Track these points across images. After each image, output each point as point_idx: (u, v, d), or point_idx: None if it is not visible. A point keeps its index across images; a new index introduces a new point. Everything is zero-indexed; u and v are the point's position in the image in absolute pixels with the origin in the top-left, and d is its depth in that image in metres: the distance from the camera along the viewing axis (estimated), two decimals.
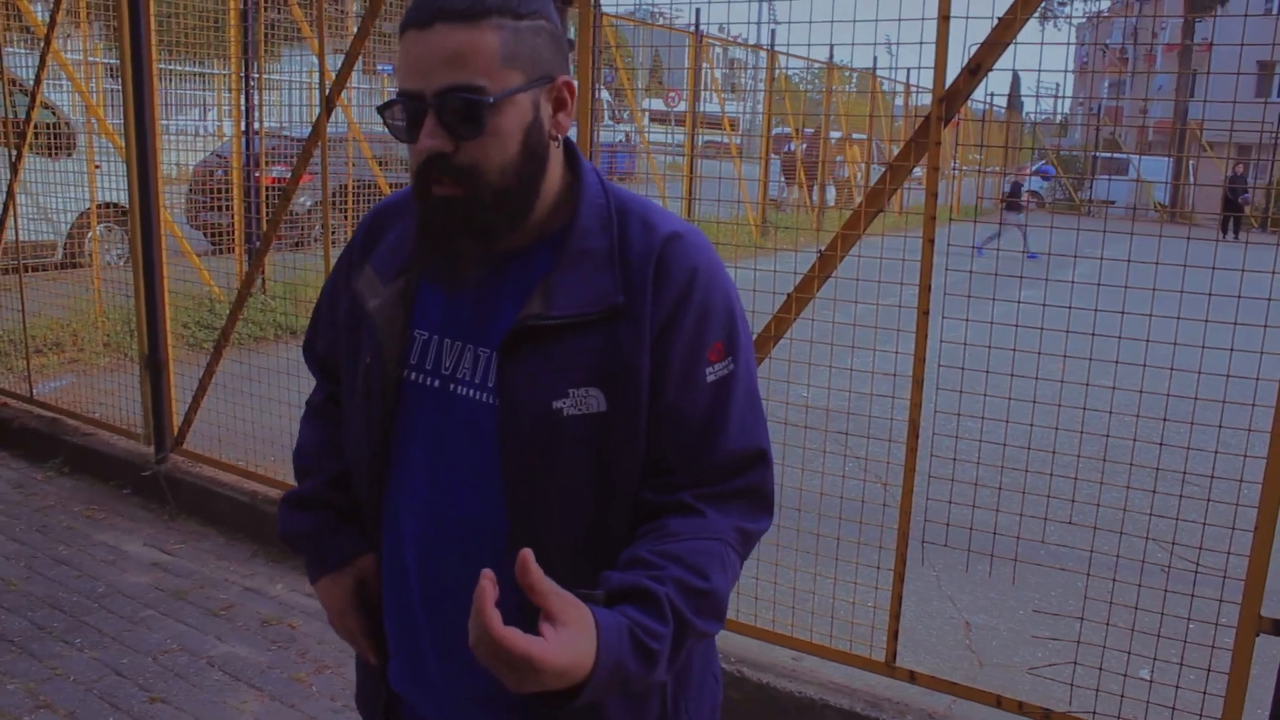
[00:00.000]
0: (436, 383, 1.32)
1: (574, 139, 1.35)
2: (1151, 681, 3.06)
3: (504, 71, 1.19)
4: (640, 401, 1.25)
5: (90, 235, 7.79)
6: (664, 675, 1.18)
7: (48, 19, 5.82)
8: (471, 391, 1.30)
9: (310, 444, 1.58)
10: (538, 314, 1.24)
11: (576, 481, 1.26)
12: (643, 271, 1.26)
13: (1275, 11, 31.08)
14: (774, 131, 16.63)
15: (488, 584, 1.01)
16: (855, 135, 18.30)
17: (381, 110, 1.25)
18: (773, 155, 15.17)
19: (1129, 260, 2.99)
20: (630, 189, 1.40)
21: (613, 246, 1.28)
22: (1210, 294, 2.81)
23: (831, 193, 16.58)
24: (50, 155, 7.54)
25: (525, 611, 1.09)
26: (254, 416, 4.85)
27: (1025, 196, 13.40)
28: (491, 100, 1.18)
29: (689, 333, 1.27)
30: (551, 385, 1.24)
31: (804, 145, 17.22)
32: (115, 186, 6.58)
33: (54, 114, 7.78)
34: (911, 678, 3.16)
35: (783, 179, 16.56)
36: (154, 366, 4.94)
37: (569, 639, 1.05)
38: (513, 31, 1.19)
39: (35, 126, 6.13)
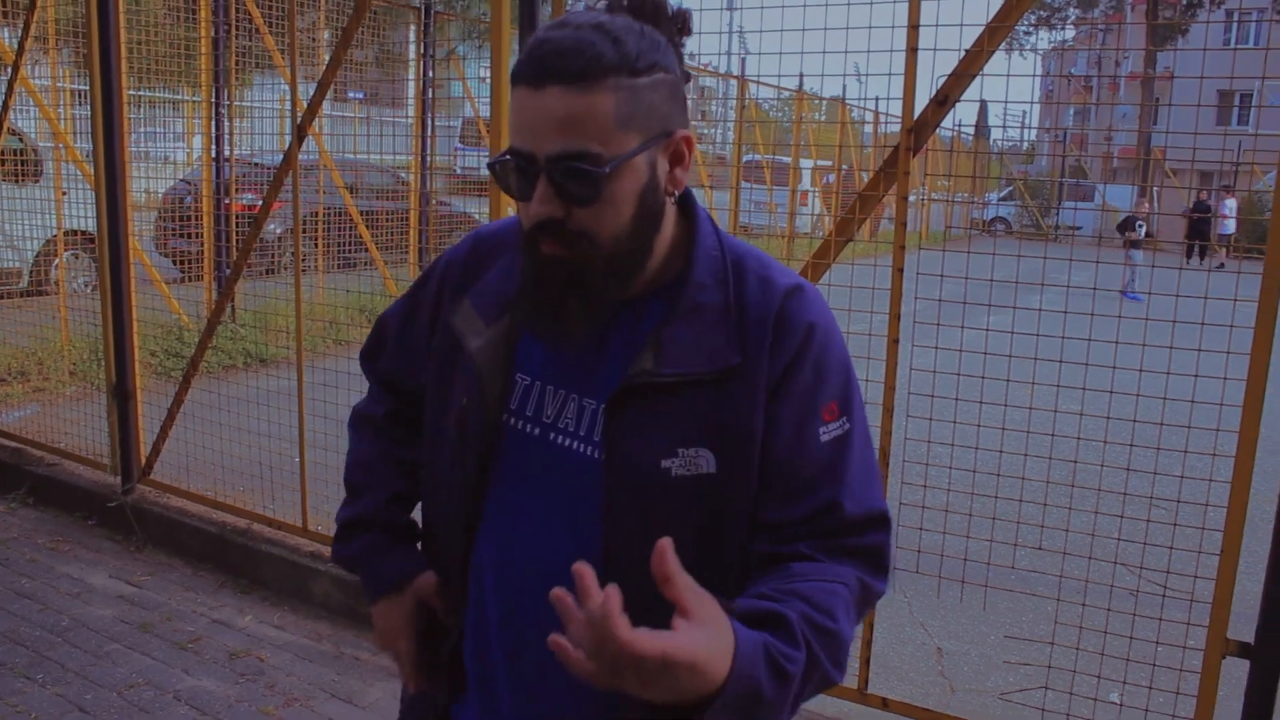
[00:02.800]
0: (537, 430, 1.28)
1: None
2: (1121, 705, 3.08)
3: (619, 135, 1.13)
4: (752, 464, 1.21)
5: (56, 262, 7.71)
6: (788, 713, 1.11)
7: (15, 45, 5.78)
8: (574, 443, 1.25)
9: (365, 459, 1.52)
10: (649, 370, 1.19)
11: (681, 543, 1.17)
12: (760, 329, 1.22)
13: (1234, 43, 31.70)
14: (744, 159, 16.74)
15: (612, 587, 0.95)
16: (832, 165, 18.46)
17: (493, 167, 1.20)
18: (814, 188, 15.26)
19: (1095, 288, 3.03)
20: None
21: (728, 301, 1.23)
22: (1175, 320, 2.86)
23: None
24: (16, 182, 7.48)
25: None
26: (223, 446, 4.80)
27: (1141, 232, 13.23)
28: (606, 170, 1.13)
29: (804, 390, 1.22)
30: (660, 444, 1.19)
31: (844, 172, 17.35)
32: (82, 214, 6.53)
33: (21, 140, 7.72)
34: (884, 704, 3.16)
35: (821, 208, 16.67)
36: (121, 396, 4.89)
37: (705, 636, 0.98)
38: (630, 90, 1.13)
39: (1, 153, 6.08)
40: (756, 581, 1.19)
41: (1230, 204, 18.68)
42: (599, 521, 1.22)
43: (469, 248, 1.43)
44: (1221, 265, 15.21)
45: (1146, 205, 15.31)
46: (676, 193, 1.24)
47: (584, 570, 0.97)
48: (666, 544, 0.97)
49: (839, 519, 1.23)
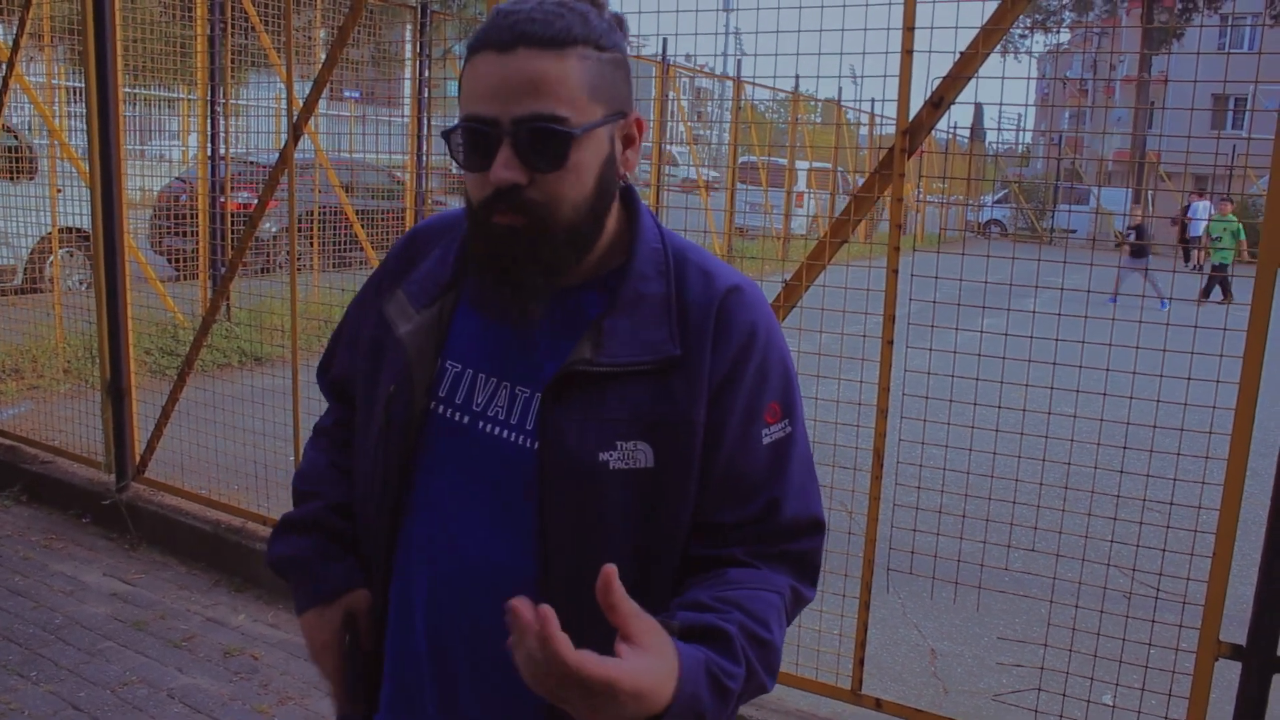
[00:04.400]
0: (465, 419, 1.25)
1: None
2: (1114, 707, 3.09)
3: (587, 103, 1.13)
4: (692, 458, 1.19)
5: (51, 260, 7.70)
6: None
7: (10, 42, 5.77)
8: (505, 432, 1.22)
9: (313, 469, 1.47)
10: (588, 360, 1.17)
11: (616, 537, 1.18)
12: (702, 323, 1.20)
13: (1228, 47, 31.80)
14: (740, 160, 16.75)
15: (545, 608, 0.93)
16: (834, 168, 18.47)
17: (446, 135, 1.16)
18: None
19: (1089, 290, 3.04)
20: None
21: (669, 294, 1.22)
22: (1168, 324, 2.87)
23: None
24: (11, 179, 7.46)
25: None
26: (217, 444, 4.80)
27: (1150, 238, 13.18)
28: (578, 133, 1.12)
29: (748, 392, 1.21)
30: (599, 436, 1.17)
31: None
32: (77, 211, 6.52)
33: (15, 137, 7.71)
34: (878, 705, 3.17)
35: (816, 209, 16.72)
36: (116, 393, 4.88)
37: (649, 663, 0.98)
38: (596, 62, 1.14)
39: None
40: (693, 587, 1.19)
41: (1200, 206, 18.70)
42: (530, 512, 1.20)
43: (407, 240, 1.41)
44: (1195, 267, 15.35)
45: (1139, 211, 15.34)
46: (628, 174, 1.23)
47: (519, 606, 0.94)
48: (611, 571, 0.96)
49: (777, 522, 1.22)
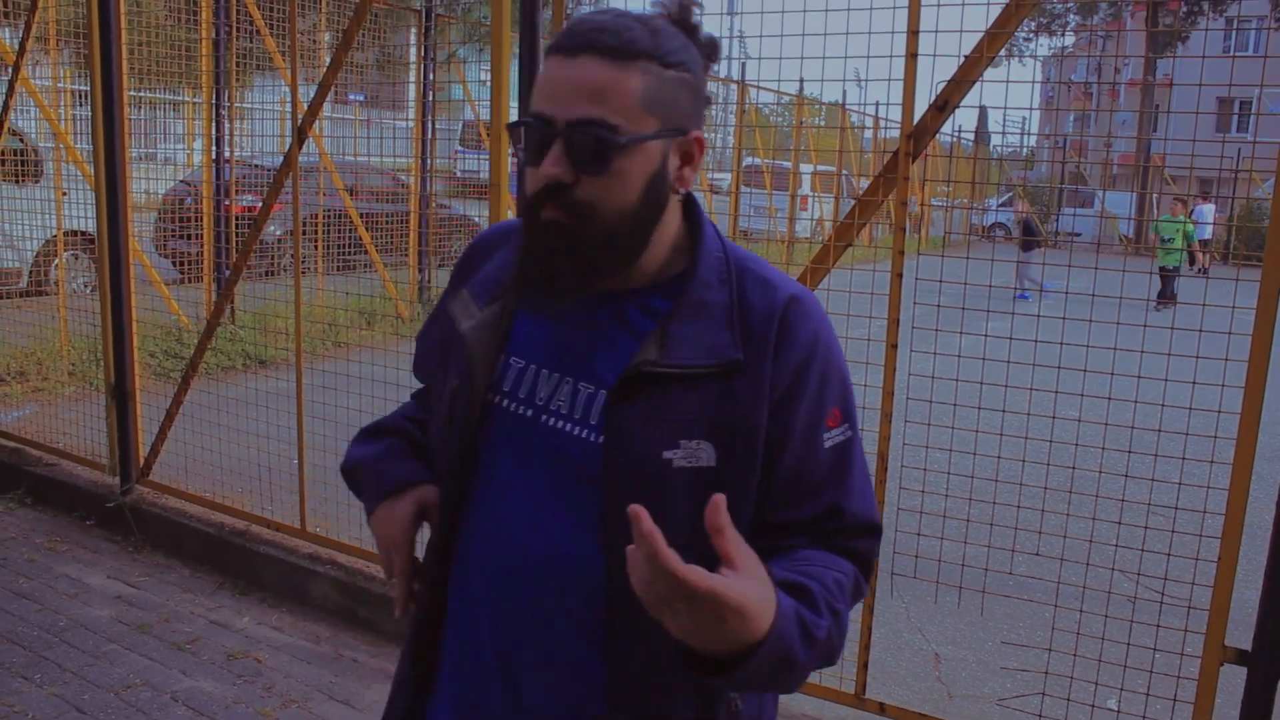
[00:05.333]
0: (529, 412, 1.29)
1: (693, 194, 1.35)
2: (1119, 712, 3.08)
3: (641, 116, 1.18)
4: (754, 460, 1.23)
5: (56, 263, 7.72)
6: (799, 681, 1.15)
7: (16, 45, 5.79)
8: (569, 426, 1.26)
9: (382, 417, 1.55)
10: (654, 360, 1.21)
11: (678, 533, 1.16)
12: (764, 330, 1.24)
13: (1233, 51, 31.76)
14: (744, 164, 16.76)
15: (651, 525, 0.97)
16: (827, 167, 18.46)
17: (511, 128, 1.23)
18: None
19: (1093, 294, 3.04)
20: None
21: (731, 302, 1.26)
22: (1173, 327, 2.86)
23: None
24: (17, 182, 7.48)
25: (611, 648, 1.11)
26: (221, 447, 4.80)
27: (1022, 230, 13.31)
28: (623, 142, 1.17)
29: (811, 398, 1.25)
30: (663, 434, 1.21)
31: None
32: (82, 214, 6.54)
33: (21, 140, 7.72)
34: (881, 710, 3.16)
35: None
36: (120, 396, 4.89)
37: (752, 586, 1.02)
38: (658, 78, 1.19)
39: (2, 153, 6.09)
40: (769, 564, 1.21)
41: (1206, 210, 18.67)
42: (593, 503, 1.23)
43: (469, 249, 1.47)
44: (1199, 270, 15.25)
45: (1022, 207, 15.33)
46: (682, 190, 1.27)
47: (639, 511, 0.98)
48: (720, 499, 1.00)
49: (842, 522, 1.27)
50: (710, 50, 1.28)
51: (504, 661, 1.29)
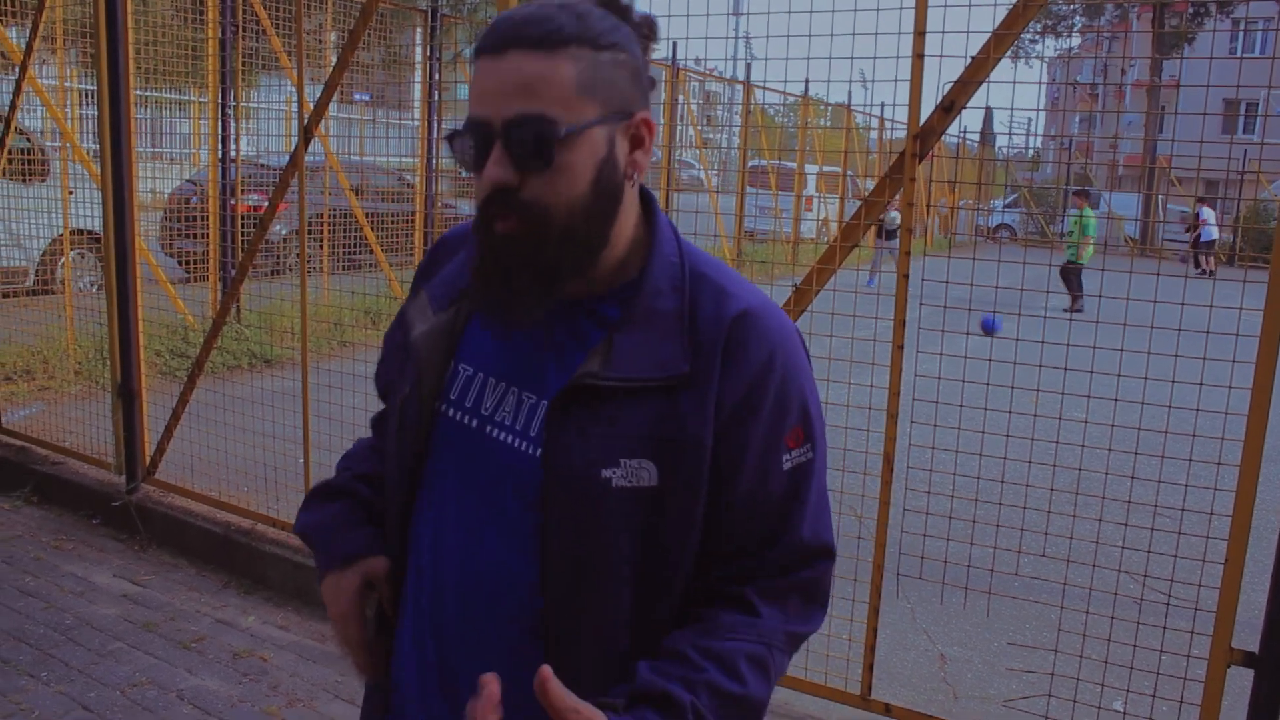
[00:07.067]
0: (474, 422, 1.25)
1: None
2: (1125, 714, 3.07)
3: (578, 103, 1.12)
4: (699, 480, 1.18)
5: (62, 261, 7.73)
6: None
7: (24, 45, 5.80)
8: (511, 438, 1.22)
9: (355, 449, 1.52)
10: (595, 373, 1.16)
11: (618, 557, 1.19)
12: (713, 342, 1.19)
13: (1240, 52, 31.71)
14: (749, 164, 16.75)
15: (490, 696, 1.03)
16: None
17: (449, 139, 1.18)
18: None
19: (1100, 295, 3.03)
20: None
21: (683, 311, 1.20)
22: (1180, 329, 2.86)
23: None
24: (23, 181, 7.50)
25: (553, 663, 1.09)
26: (227, 446, 4.81)
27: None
28: (563, 133, 1.11)
29: (767, 420, 1.20)
30: (602, 451, 1.16)
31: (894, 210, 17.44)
32: (89, 213, 6.55)
33: (28, 139, 7.74)
34: (887, 710, 3.16)
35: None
36: (126, 395, 4.90)
37: None
38: (590, 62, 1.13)
39: (9, 152, 6.10)
40: (685, 628, 1.21)
41: (1206, 213, 18.62)
42: (532, 518, 1.20)
43: (435, 246, 1.43)
44: (1204, 272, 15.13)
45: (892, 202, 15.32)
46: (637, 176, 1.21)
47: (488, 681, 1.04)
48: (547, 672, 1.02)
49: (792, 548, 1.23)
50: (646, 29, 1.22)
51: (446, 674, 1.27)
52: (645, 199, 1.27)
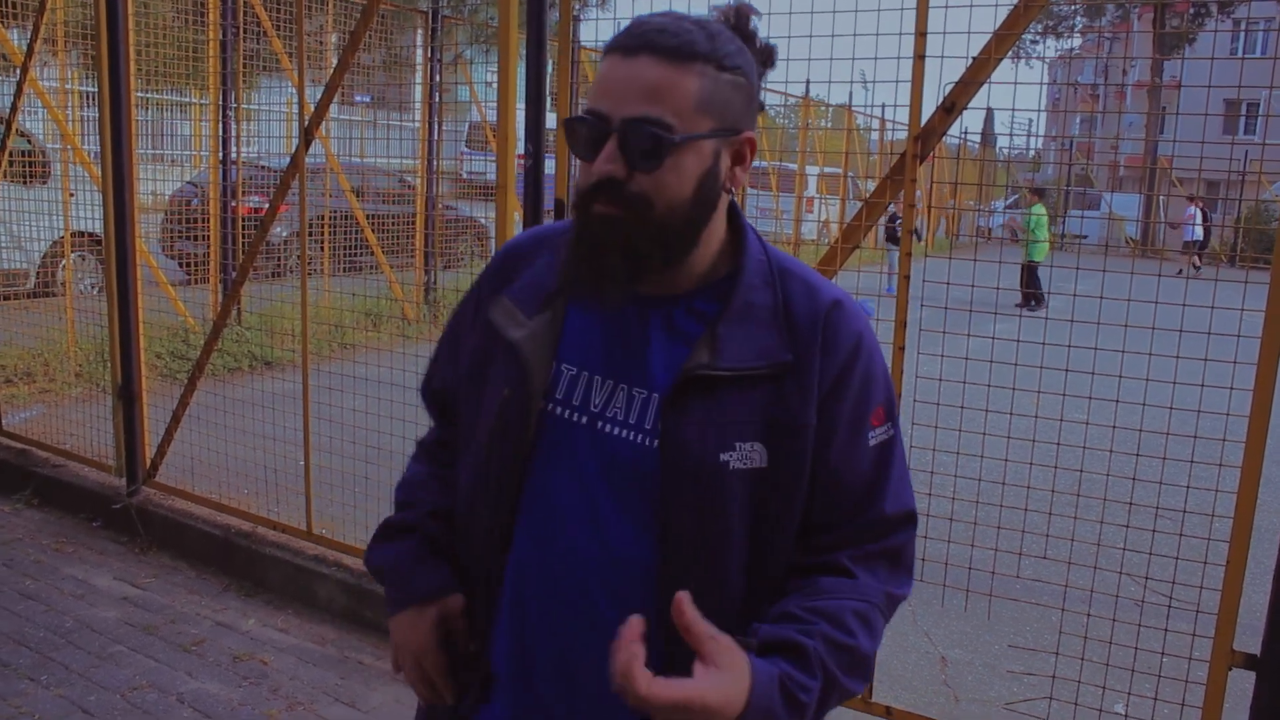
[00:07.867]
0: (584, 419, 1.31)
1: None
2: (1126, 716, 3.07)
3: (695, 116, 1.20)
4: (804, 459, 1.26)
5: (63, 264, 7.73)
6: None
7: (25, 46, 5.80)
8: (625, 432, 1.28)
9: (415, 478, 1.54)
10: (706, 364, 1.24)
11: (732, 535, 1.26)
12: (810, 332, 1.28)
13: (1241, 52, 31.70)
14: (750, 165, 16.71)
15: (635, 645, 1.05)
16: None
17: (568, 124, 1.25)
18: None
19: (1101, 296, 3.03)
20: None
21: (777, 304, 1.29)
22: (1181, 330, 2.85)
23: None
24: (24, 183, 7.50)
25: (670, 650, 1.14)
26: (228, 449, 4.80)
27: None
28: (678, 140, 1.19)
29: (854, 398, 1.29)
30: (719, 437, 1.24)
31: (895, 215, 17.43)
32: (89, 215, 6.55)
33: (29, 141, 7.74)
34: (888, 713, 3.15)
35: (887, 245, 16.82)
36: (127, 397, 4.89)
37: (721, 680, 1.08)
38: (713, 80, 1.21)
39: (10, 154, 6.10)
40: (789, 595, 1.27)
41: (1192, 210, 18.62)
42: (648, 507, 1.26)
43: (502, 257, 1.47)
44: (1180, 270, 15.09)
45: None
46: (734, 190, 1.30)
47: (619, 649, 1.06)
48: (684, 597, 1.07)
49: (879, 518, 1.31)
50: (766, 56, 1.31)
51: (560, 660, 1.32)
52: (731, 207, 1.35)
